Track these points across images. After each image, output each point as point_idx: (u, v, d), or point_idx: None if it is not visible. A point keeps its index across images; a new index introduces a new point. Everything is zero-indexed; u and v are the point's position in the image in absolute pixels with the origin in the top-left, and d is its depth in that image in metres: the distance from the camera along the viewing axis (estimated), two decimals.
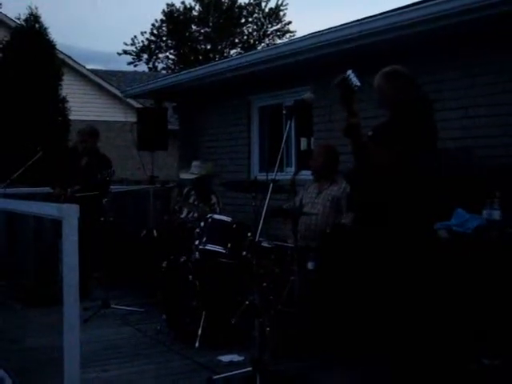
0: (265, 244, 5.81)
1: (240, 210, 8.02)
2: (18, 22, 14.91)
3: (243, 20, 37.86)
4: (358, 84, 4.03)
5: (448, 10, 6.04)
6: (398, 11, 6.69)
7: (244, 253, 5.95)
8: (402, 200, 4.22)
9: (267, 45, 35.41)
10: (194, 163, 7.59)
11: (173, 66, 37.67)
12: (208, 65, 10.65)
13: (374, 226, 4.34)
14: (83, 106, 19.19)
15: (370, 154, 4.21)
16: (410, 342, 4.21)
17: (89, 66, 22.82)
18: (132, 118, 14.42)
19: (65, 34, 37.02)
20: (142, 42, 37.50)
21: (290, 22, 37.82)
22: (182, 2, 36.82)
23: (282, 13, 37.52)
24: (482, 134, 6.35)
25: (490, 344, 4.61)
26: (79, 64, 21.31)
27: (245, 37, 38.33)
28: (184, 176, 7.69)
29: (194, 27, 37.57)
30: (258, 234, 4.65)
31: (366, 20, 7.04)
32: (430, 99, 4.60)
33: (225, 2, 37.11)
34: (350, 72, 4.05)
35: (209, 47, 37.72)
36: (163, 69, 37.39)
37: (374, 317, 4.28)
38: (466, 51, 6.54)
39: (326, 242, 5.74)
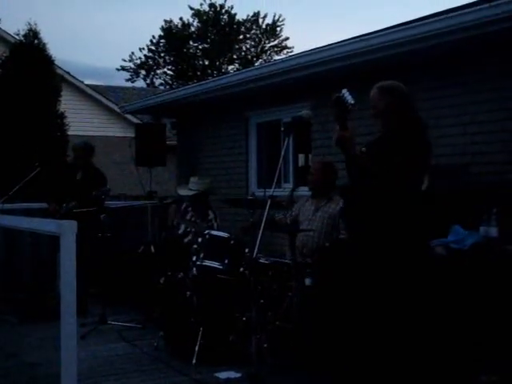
0: (262, 260, 5.81)
1: (238, 226, 8.02)
2: (17, 37, 14.96)
3: (241, 36, 38.04)
4: (352, 102, 4.12)
5: (447, 27, 6.08)
6: (398, 28, 6.73)
7: (242, 269, 5.95)
8: (397, 215, 4.23)
9: (265, 61, 35.54)
10: (192, 179, 7.60)
11: (171, 82, 37.79)
12: (206, 81, 10.71)
13: (368, 241, 4.35)
14: (82, 121, 19.22)
15: (362, 165, 4.24)
16: (408, 357, 4.20)
17: (87, 82, 22.89)
18: (130, 134, 14.44)
19: (63, 50, 37.19)
20: (140, 58, 37.66)
21: (287, 38, 38.05)
22: (180, 18, 37.04)
23: (279, 28, 37.74)
24: (479, 150, 6.38)
25: (487, 360, 4.60)
26: (78, 79, 21.36)
27: (242, 53, 38.49)
28: (182, 192, 7.70)
29: (191, 43, 37.73)
30: (255, 250, 4.66)
31: (365, 37, 7.08)
32: (423, 121, 4.62)
33: (223, 19, 37.29)
34: (344, 91, 4.15)
35: (207, 63, 37.85)
36: (161, 85, 37.53)
37: (371, 332, 4.27)
38: (465, 68, 6.58)
39: (323, 256, 5.74)
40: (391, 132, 4.42)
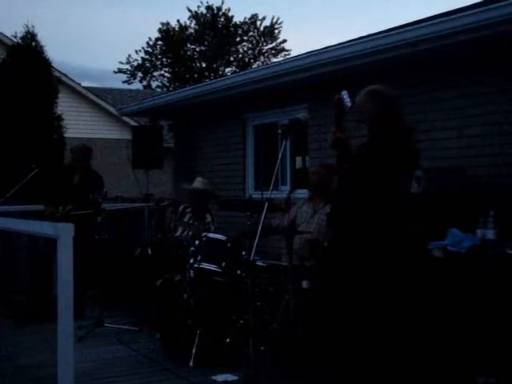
0: (259, 263, 5.81)
1: (236, 228, 8.02)
2: (15, 39, 14.94)
3: (238, 38, 38.04)
4: (349, 105, 4.15)
5: (442, 30, 6.09)
6: (394, 31, 6.74)
7: (239, 271, 5.94)
8: (376, 220, 4.24)
9: (262, 63, 35.55)
10: (198, 178, 7.62)
11: (168, 84, 37.77)
12: (203, 83, 10.72)
13: (354, 245, 4.36)
14: (79, 123, 19.20)
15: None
16: (406, 360, 4.20)
17: (84, 84, 22.88)
18: (127, 136, 14.44)
19: (60, 51, 37.07)
20: (137, 60, 37.65)
21: (284, 41, 38.06)
22: (178, 21, 37.04)
23: (276, 31, 37.75)
24: (475, 153, 6.38)
25: (485, 362, 4.60)
26: (75, 81, 21.35)
27: (240, 55, 38.49)
28: (187, 186, 7.69)
29: (189, 45, 37.73)
30: (252, 253, 4.65)
31: (361, 40, 7.09)
32: (410, 126, 4.61)
33: (220, 21, 37.30)
34: (344, 93, 4.18)
35: (204, 66, 37.85)
36: (158, 87, 37.50)
37: (369, 336, 4.27)
38: (460, 71, 6.59)
39: (321, 259, 5.74)
40: (375, 137, 4.42)
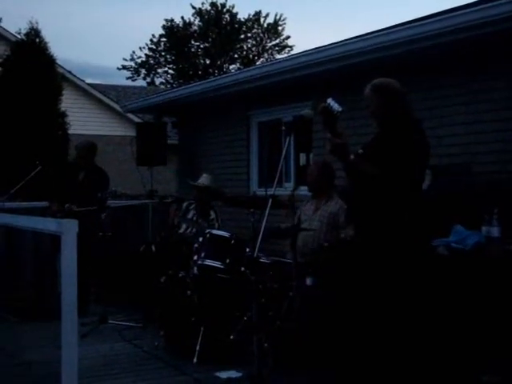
0: (263, 260, 5.80)
1: (240, 225, 8.01)
2: (19, 36, 14.96)
3: (242, 35, 38.04)
4: (340, 110, 4.13)
5: (448, 27, 6.08)
6: (398, 28, 6.73)
7: (242, 268, 5.94)
8: (396, 215, 4.20)
9: (266, 60, 35.54)
10: (205, 175, 7.64)
11: (171, 81, 37.78)
12: (207, 80, 10.70)
13: (370, 242, 4.32)
14: (83, 120, 19.21)
15: (358, 170, 4.23)
16: (410, 357, 4.19)
17: (88, 81, 22.88)
18: (131, 133, 14.44)
19: (64, 48, 37.13)
20: (140, 57, 37.65)
21: (288, 37, 38.05)
22: (182, 17, 37.05)
23: (280, 27, 37.75)
24: (481, 149, 6.37)
25: (489, 360, 4.59)
26: (79, 78, 21.35)
27: (244, 52, 38.49)
28: (193, 182, 7.70)
29: (193, 42, 37.73)
30: (256, 250, 4.65)
31: (365, 37, 7.08)
32: (416, 118, 4.57)
33: (224, 18, 37.29)
34: (330, 100, 4.16)
35: (208, 62, 37.85)
36: (161, 83, 37.50)
37: (374, 333, 4.26)
38: (468, 67, 6.57)
39: (324, 256, 5.73)
40: (386, 131, 4.38)
